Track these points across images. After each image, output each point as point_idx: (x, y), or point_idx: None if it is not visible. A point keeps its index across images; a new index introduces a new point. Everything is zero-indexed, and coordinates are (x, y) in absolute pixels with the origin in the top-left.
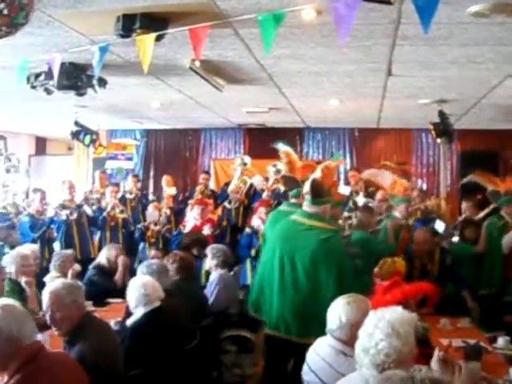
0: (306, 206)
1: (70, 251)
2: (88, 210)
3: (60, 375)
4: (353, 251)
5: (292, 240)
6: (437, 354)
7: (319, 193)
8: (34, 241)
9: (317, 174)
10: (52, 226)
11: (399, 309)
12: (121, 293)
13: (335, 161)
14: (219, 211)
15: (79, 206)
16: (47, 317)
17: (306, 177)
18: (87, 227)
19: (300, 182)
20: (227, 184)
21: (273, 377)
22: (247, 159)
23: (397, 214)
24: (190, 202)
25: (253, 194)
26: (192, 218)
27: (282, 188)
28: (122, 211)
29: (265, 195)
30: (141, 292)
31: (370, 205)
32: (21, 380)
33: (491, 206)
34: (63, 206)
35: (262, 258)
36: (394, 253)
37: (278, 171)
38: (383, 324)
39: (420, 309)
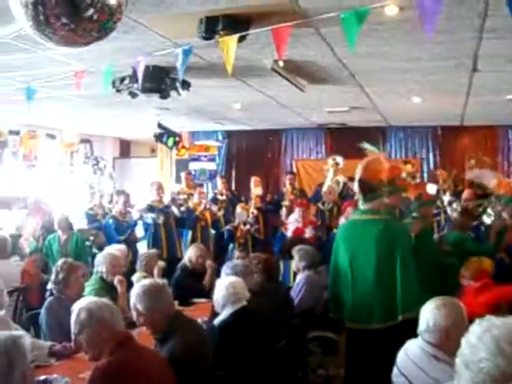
0: (360, 205)
1: (153, 250)
2: (175, 211)
3: (148, 364)
4: (445, 249)
5: (353, 236)
6: None
7: (367, 190)
8: (119, 243)
9: (360, 173)
10: (135, 228)
11: (510, 321)
12: (206, 293)
13: (372, 153)
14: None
15: (167, 207)
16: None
17: (391, 178)
18: (175, 228)
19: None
20: (321, 185)
21: (354, 369)
22: (339, 159)
23: (504, 214)
24: (284, 203)
25: (344, 195)
26: (294, 220)
27: None
28: (219, 209)
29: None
30: (230, 291)
31: (454, 205)
32: (114, 361)
33: None
34: (150, 208)
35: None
36: (492, 254)
37: None
38: (488, 339)
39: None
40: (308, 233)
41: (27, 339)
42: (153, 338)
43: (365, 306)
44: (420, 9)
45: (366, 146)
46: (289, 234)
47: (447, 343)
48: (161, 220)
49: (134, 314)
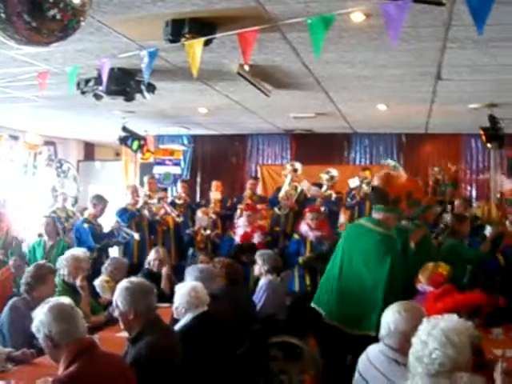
0: (373, 213)
1: (125, 260)
2: (147, 215)
3: (110, 371)
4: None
5: (353, 240)
6: (500, 365)
7: (380, 200)
8: (92, 249)
9: (375, 181)
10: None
11: (454, 317)
12: (165, 297)
13: (391, 168)
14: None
15: (138, 211)
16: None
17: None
18: (147, 231)
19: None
20: (279, 189)
21: (331, 367)
22: (298, 165)
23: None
24: (239, 206)
25: (303, 200)
26: (242, 224)
27: (334, 195)
28: (178, 215)
29: (317, 202)
30: (191, 295)
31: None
32: (76, 370)
33: None
34: (125, 210)
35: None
36: (486, 258)
37: (332, 178)
38: (437, 332)
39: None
40: (256, 238)
41: None
42: (126, 339)
43: (345, 308)
44: (385, 16)
45: (390, 162)
46: (236, 238)
47: (407, 347)
48: (138, 237)
49: (114, 305)
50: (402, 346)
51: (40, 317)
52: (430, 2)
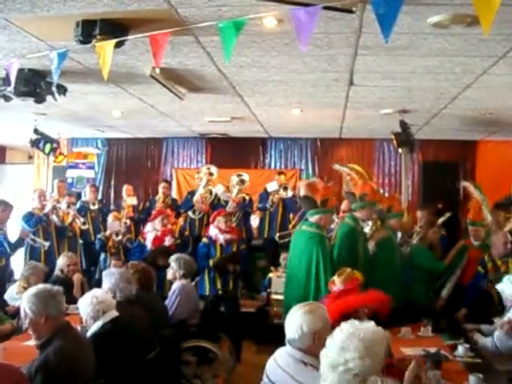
0: (308, 216)
1: (42, 265)
2: (56, 220)
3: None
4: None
5: (293, 242)
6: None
7: (310, 206)
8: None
9: (302, 191)
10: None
11: (372, 325)
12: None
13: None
14: (181, 221)
15: (46, 216)
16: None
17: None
18: (54, 237)
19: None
20: (191, 193)
21: None
22: (214, 169)
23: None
24: (153, 211)
25: (215, 205)
26: (152, 228)
27: (248, 198)
28: (84, 223)
29: (230, 206)
30: (93, 302)
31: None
32: None
33: (447, 215)
34: (31, 215)
35: None
36: (441, 272)
37: (242, 182)
38: (358, 343)
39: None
40: (167, 241)
41: None
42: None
43: (288, 303)
44: (296, 22)
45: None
46: (148, 243)
47: (316, 347)
48: (46, 247)
49: (22, 315)
50: (308, 346)
51: None
52: (340, 9)
